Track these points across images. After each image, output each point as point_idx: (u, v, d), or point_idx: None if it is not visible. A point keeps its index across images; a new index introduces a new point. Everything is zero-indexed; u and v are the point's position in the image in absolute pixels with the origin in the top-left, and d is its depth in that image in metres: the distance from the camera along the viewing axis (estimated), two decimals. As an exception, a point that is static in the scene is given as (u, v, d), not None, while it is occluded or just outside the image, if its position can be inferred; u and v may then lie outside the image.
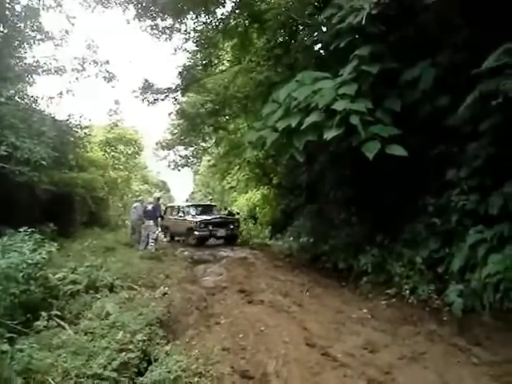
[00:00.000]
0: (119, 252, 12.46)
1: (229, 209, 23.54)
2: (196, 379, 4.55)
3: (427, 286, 7.33)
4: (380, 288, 8.21)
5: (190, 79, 16.71)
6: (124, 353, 4.88)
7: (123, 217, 25.96)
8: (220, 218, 19.73)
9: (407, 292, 7.52)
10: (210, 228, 18.44)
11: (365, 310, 7.29)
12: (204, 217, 19.21)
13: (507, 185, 6.44)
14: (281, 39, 13.02)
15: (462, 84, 7.48)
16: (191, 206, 22.30)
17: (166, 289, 8.30)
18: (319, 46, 10.72)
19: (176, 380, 4.48)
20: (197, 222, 18.40)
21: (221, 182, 26.48)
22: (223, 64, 17.46)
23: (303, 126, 7.44)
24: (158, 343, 5.53)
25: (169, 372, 4.58)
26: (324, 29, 10.09)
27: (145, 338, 5.40)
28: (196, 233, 18.32)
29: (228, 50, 16.73)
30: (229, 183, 25.86)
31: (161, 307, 6.80)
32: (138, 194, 30.53)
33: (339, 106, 6.97)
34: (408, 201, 8.77)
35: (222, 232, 18.64)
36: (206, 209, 21.40)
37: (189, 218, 19.44)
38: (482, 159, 6.89)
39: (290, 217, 18.01)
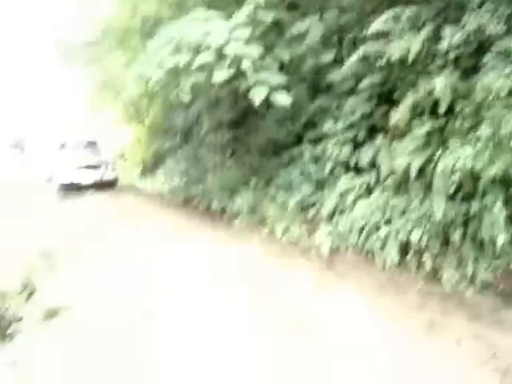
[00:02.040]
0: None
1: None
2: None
3: (299, 227, 7.90)
4: (254, 228, 8.67)
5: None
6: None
7: None
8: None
9: (280, 232, 8.04)
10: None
11: (240, 247, 7.72)
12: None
13: (378, 138, 7.11)
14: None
15: (345, 43, 8.03)
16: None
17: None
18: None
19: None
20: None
21: (87, 119, 25.16)
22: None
23: (194, 66, 7.44)
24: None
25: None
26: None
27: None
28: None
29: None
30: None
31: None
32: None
33: (232, 48, 7.09)
34: (285, 147, 9.28)
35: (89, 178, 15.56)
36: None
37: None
38: (358, 115, 7.47)
39: (162, 158, 17.92)
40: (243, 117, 11.14)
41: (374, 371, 3.82)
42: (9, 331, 4.32)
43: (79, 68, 19.04)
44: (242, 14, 7.50)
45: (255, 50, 7.11)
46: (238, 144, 11.35)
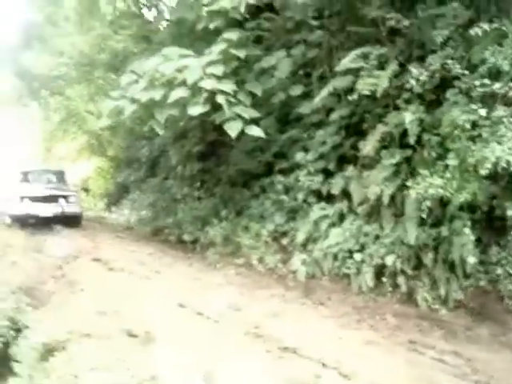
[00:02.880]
0: None
1: None
2: (85, 339, 4.66)
3: (273, 256, 8.10)
4: (228, 258, 8.82)
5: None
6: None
7: None
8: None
9: (255, 261, 8.23)
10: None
11: (219, 277, 7.84)
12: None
13: (347, 170, 7.46)
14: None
15: (314, 77, 8.43)
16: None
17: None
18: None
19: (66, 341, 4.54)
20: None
21: (49, 151, 24.86)
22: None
23: (169, 101, 7.65)
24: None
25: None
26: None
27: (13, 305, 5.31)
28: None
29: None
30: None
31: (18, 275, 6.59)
32: None
33: (207, 84, 7.33)
34: (255, 178, 9.55)
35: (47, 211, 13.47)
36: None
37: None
38: (328, 146, 7.83)
39: (127, 190, 17.92)
40: (212, 148, 11.40)
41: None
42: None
43: (42, 100, 18.90)
44: (215, 52, 7.77)
45: (229, 86, 7.39)
46: (207, 175, 11.56)
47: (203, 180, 11.70)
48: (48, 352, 4.48)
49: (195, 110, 7.50)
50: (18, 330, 5.08)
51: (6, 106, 21.27)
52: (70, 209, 13.74)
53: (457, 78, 5.68)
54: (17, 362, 4.47)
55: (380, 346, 4.90)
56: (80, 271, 7.90)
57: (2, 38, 17.53)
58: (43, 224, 13.08)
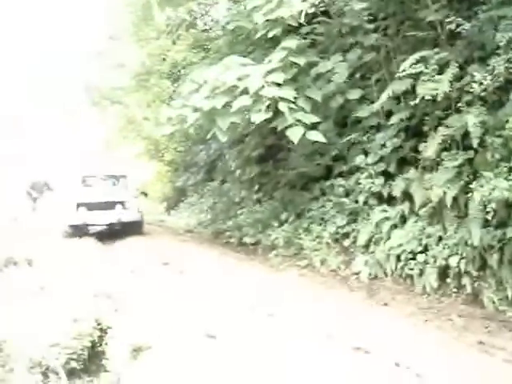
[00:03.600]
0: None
1: None
2: (167, 340, 5.00)
3: (335, 257, 8.29)
4: (290, 260, 9.06)
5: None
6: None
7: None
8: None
9: (318, 263, 8.43)
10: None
11: (283, 279, 8.08)
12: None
13: (408, 172, 7.55)
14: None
15: (372, 81, 8.54)
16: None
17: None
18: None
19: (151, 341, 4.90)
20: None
21: (109, 157, 25.86)
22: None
23: (232, 109, 7.96)
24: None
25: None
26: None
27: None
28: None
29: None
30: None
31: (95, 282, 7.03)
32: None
33: (269, 92, 7.61)
34: (315, 181, 9.73)
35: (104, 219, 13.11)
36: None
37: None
38: (388, 148, 7.93)
39: (185, 194, 18.46)
40: (270, 152, 11.65)
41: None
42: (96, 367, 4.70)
43: (103, 110, 19.77)
44: (275, 59, 8.02)
45: (290, 93, 7.63)
46: (265, 178, 11.84)
47: (262, 183, 12.00)
48: (136, 350, 4.84)
49: (258, 118, 7.79)
50: (103, 331, 5.44)
51: (70, 115, 22.46)
52: (128, 216, 13.23)
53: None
54: (106, 359, 4.82)
55: (451, 347, 4.99)
56: (151, 275, 8.30)
57: (68, 56, 18.43)
58: (103, 233, 12.83)
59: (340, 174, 8.98)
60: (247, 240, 10.88)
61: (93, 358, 4.89)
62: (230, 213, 12.60)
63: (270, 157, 11.74)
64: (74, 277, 7.05)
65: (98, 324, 5.36)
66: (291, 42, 8.04)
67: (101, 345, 4.96)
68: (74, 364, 4.74)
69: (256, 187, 12.09)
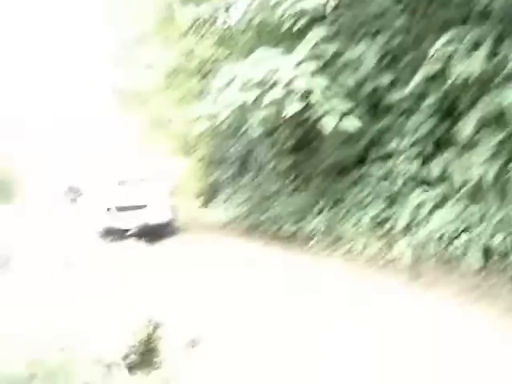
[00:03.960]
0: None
1: None
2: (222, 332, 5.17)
3: (377, 242, 8.32)
4: (332, 247, 9.14)
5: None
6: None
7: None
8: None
9: (360, 249, 8.48)
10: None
11: (327, 265, 8.21)
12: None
13: (446, 152, 7.53)
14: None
15: (402, 65, 8.52)
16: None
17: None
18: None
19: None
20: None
21: (141, 155, 26.17)
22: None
23: (264, 103, 8.04)
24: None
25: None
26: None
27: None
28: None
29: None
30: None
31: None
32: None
33: (301, 82, 7.68)
34: (350, 168, 9.76)
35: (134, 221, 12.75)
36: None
37: None
38: (423, 130, 7.91)
39: (219, 189, 18.62)
40: (303, 142, 11.68)
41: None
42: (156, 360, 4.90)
43: (132, 110, 20.04)
44: (304, 49, 8.08)
45: (323, 81, 7.68)
46: (299, 168, 11.88)
47: (296, 174, 12.04)
48: (190, 343, 5.03)
49: (291, 109, 7.86)
50: (156, 327, 5.64)
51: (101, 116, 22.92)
52: (158, 217, 13.10)
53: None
54: (161, 352, 5.02)
55: (496, 325, 5.03)
56: (196, 270, 8.49)
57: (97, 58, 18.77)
58: (135, 236, 12.32)
59: (376, 159, 8.98)
60: (287, 229, 10.95)
61: (148, 352, 5.11)
62: (265, 205, 12.67)
63: (303, 147, 11.77)
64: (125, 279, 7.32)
65: (151, 321, 5.58)
66: (319, 31, 8.08)
67: (155, 340, 5.19)
68: (132, 357, 4.99)
69: (291, 178, 12.14)
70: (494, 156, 6.43)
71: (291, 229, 10.77)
